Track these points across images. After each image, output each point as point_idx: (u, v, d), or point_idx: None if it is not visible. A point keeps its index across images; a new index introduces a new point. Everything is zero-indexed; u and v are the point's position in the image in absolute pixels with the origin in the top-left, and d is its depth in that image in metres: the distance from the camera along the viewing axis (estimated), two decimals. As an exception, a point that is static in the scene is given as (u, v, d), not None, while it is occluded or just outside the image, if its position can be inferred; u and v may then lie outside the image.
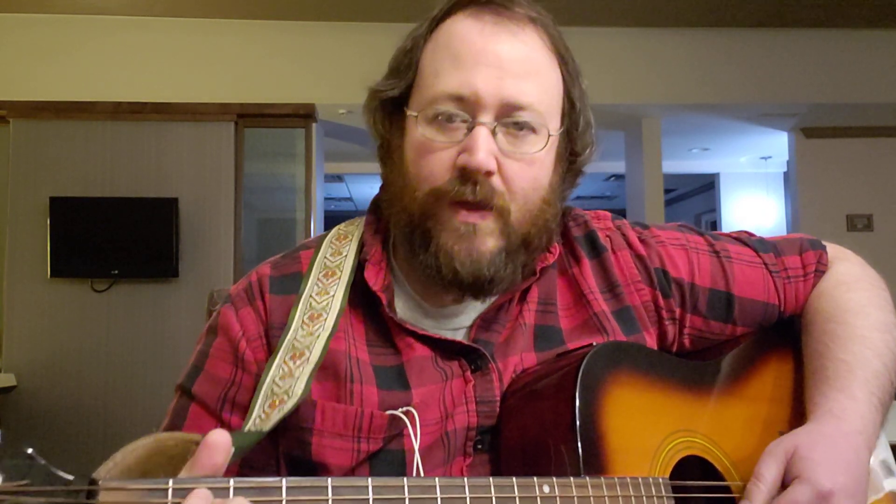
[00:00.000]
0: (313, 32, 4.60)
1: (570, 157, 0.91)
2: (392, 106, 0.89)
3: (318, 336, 0.83)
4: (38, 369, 4.17)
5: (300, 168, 4.64)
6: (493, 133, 0.81)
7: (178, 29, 4.53)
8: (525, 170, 0.83)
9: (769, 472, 0.79)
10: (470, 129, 0.81)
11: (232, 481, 0.55)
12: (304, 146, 4.63)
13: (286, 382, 0.79)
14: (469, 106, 0.81)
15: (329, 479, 0.59)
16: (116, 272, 4.23)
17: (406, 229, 0.85)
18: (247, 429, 0.77)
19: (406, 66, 0.87)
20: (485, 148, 0.80)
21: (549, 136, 0.84)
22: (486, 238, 0.82)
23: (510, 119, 0.82)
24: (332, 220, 1.01)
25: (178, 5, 4.39)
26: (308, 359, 0.81)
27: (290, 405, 0.77)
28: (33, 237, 4.22)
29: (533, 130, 0.83)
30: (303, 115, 4.57)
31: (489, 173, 0.80)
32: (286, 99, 4.54)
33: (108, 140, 4.36)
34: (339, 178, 7.73)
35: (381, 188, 0.93)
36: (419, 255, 0.84)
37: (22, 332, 4.21)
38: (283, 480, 0.57)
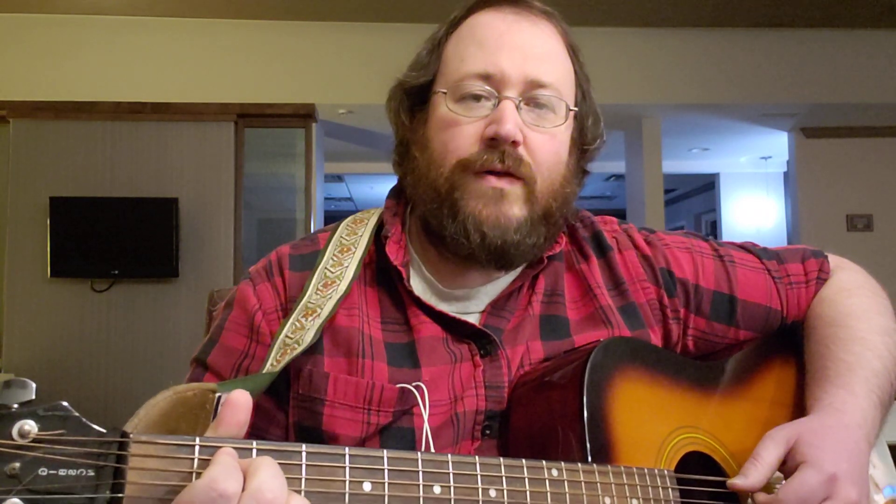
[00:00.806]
0: (313, 32, 4.60)
1: (581, 146, 0.95)
2: (416, 97, 0.93)
3: (331, 297, 0.86)
4: (38, 369, 4.17)
5: (300, 168, 4.65)
6: (518, 108, 0.86)
7: (178, 29, 4.54)
8: (548, 142, 0.88)
9: (768, 453, 0.80)
10: (496, 105, 0.86)
11: (255, 443, 0.57)
12: (304, 146, 4.64)
13: (297, 334, 0.83)
14: (495, 83, 0.86)
15: (347, 448, 0.61)
16: (116, 272, 4.23)
17: (433, 205, 0.88)
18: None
19: (430, 59, 0.92)
20: (512, 119, 0.84)
21: (568, 111, 0.90)
22: (513, 204, 0.86)
23: (533, 96, 0.87)
24: (332, 220, 1.02)
25: (178, 5, 4.40)
26: (319, 314, 0.84)
27: (300, 350, 0.80)
28: (33, 237, 4.23)
29: (552, 110, 0.88)
30: (303, 115, 4.58)
31: (516, 143, 0.85)
32: (286, 99, 4.55)
33: (108, 140, 4.36)
34: (339, 178, 7.74)
35: (402, 178, 0.96)
36: (447, 227, 0.86)
37: (22, 332, 4.21)
38: (304, 446, 0.59)
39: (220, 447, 0.55)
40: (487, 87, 0.86)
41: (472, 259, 0.87)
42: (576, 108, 0.92)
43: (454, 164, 0.86)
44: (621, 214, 1.08)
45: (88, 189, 4.30)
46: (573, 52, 0.93)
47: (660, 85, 4.83)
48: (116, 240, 4.25)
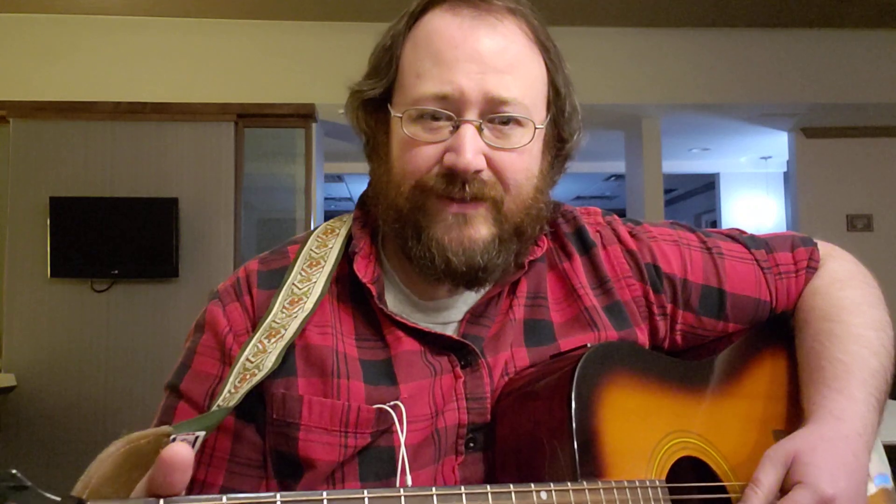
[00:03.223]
0: (313, 32, 4.60)
1: (557, 144, 0.90)
2: (374, 105, 0.88)
3: (296, 317, 0.82)
4: (38, 369, 4.17)
5: (300, 168, 4.64)
6: (480, 129, 0.80)
7: (179, 29, 4.53)
8: (516, 161, 0.83)
9: (767, 477, 0.78)
10: (455, 128, 0.80)
11: (224, 498, 0.54)
12: (304, 146, 4.63)
13: (258, 358, 0.79)
14: (453, 104, 0.80)
15: (324, 493, 0.58)
16: (116, 272, 4.23)
17: (396, 225, 0.85)
18: (216, 406, 0.76)
19: (387, 65, 0.86)
20: (472, 147, 0.79)
21: (536, 128, 0.83)
22: (479, 226, 0.82)
23: (495, 115, 0.81)
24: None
25: (178, 5, 4.40)
26: (283, 336, 0.80)
27: (259, 377, 0.76)
28: (33, 237, 4.22)
29: (519, 123, 0.82)
30: (303, 115, 4.57)
31: (477, 172, 0.80)
32: (286, 99, 4.54)
33: (108, 140, 4.36)
34: (339, 178, 7.73)
35: (369, 184, 0.93)
36: (413, 248, 0.83)
37: (22, 332, 4.21)
38: (278, 495, 0.56)
39: None
40: (446, 110, 0.80)
41: (440, 282, 0.84)
42: (544, 123, 0.85)
43: (413, 186, 0.82)
44: (621, 215, 1.06)
45: (88, 189, 4.29)
46: (543, 46, 0.86)
47: (660, 85, 4.82)
48: (116, 240, 4.24)
